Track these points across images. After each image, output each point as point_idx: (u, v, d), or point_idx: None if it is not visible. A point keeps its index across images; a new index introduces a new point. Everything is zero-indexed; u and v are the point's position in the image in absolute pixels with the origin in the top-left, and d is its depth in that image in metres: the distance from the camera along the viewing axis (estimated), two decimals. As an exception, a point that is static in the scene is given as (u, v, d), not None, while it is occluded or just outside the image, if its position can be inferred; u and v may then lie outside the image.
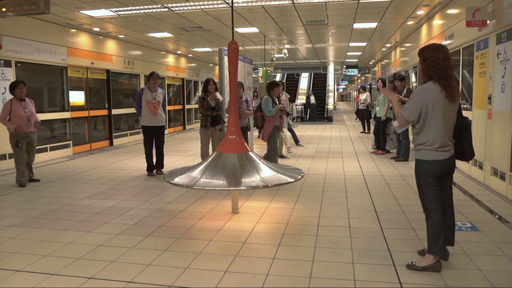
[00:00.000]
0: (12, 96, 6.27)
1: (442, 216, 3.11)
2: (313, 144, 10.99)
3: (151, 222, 4.39)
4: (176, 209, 4.91)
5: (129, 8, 8.24)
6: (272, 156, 6.39)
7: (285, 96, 10.69)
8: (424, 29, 10.16)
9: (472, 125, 6.48)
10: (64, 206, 5.11)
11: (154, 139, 6.99)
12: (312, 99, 20.74)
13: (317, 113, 20.68)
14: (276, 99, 6.61)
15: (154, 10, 8.40)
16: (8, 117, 6.12)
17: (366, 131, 14.16)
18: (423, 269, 3.09)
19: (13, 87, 6.21)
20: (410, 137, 10.15)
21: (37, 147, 8.58)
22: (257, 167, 4.20)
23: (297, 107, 20.37)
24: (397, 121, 3.24)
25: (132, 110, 12.56)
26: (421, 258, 3.21)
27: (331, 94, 22.88)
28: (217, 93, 6.61)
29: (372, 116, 12.98)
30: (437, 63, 3.00)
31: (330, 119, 20.06)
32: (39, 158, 8.58)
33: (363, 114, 14.51)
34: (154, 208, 4.95)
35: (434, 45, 3.11)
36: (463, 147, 3.18)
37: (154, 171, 7.07)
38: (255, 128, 7.72)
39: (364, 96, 14.43)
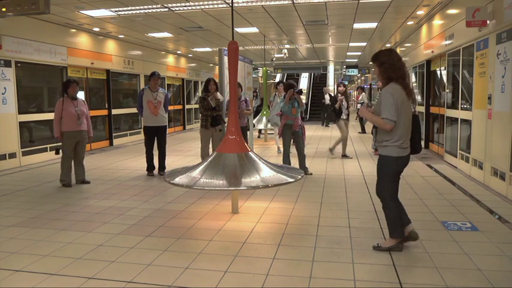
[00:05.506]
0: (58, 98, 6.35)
1: (398, 204, 3.46)
2: (313, 144, 10.97)
3: (151, 222, 4.39)
4: (176, 209, 4.92)
5: (129, 8, 8.24)
6: (284, 155, 6.80)
7: None
8: (424, 29, 10.16)
9: (472, 125, 6.52)
10: (64, 206, 5.11)
11: (156, 139, 7.01)
12: (327, 99, 16.06)
13: (316, 113, 20.54)
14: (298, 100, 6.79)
15: (154, 10, 8.40)
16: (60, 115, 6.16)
17: (361, 131, 14.18)
18: (388, 249, 3.42)
19: (66, 87, 6.27)
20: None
21: (36, 148, 8.65)
22: (257, 167, 4.19)
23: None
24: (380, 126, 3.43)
25: (132, 110, 12.61)
26: (385, 240, 3.53)
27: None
28: (218, 94, 6.63)
29: None
30: (393, 65, 3.30)
31: None
32: (39, 158, 8.61)
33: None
34: (154, 208, 4.95)
35: (386, 50, 3.44)
36: (415, 142, 3.44)
37: (154, 172, 7.08)
38: (254, 127, 7.74)
39: (360, 96, 14.48)
